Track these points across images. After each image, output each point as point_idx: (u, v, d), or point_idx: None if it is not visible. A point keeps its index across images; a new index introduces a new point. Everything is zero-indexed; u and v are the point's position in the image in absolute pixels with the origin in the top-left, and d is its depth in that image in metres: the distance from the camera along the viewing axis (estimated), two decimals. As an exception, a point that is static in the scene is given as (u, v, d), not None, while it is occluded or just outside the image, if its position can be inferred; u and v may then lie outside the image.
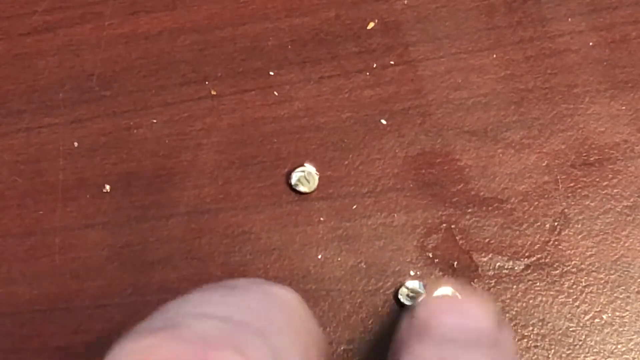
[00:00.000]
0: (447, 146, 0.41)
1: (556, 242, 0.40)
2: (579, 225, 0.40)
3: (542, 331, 0.39)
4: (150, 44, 0.44)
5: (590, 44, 0.42)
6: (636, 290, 0.39)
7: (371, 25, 0.43)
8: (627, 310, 0.39)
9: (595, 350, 0.38)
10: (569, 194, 0.40)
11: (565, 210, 0.40)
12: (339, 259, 0.40)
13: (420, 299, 0.39)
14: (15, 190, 0.43)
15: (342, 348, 0.39)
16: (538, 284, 0.39)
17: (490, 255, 0.40)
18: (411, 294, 0.39)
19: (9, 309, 0.41)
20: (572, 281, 0.39)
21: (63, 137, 0.43)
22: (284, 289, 0.29)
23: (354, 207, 0.41)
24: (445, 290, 0.37)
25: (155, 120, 0.43)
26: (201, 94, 0.43)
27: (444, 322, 0.30)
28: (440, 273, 0.40)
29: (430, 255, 0.40)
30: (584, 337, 0.39)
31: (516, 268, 0.40)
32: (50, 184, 0.42)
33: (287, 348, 0.25)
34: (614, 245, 0.39)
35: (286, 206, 0.41)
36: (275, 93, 0.43)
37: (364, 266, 0.40)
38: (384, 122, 0.42)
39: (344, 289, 0.40)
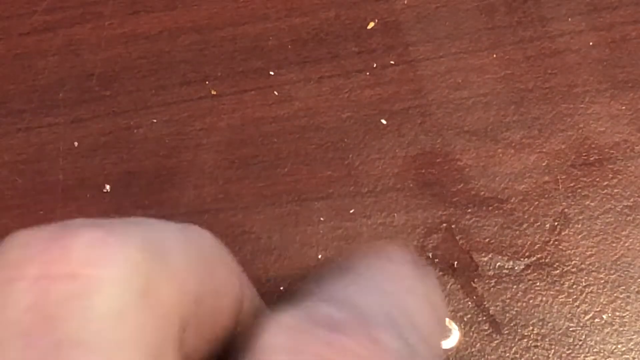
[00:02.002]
0: (447, 146, 0.41)
1: (556, 242, 0.40)
2: (579, 225, 0.40)
3: (542, 331, 0.39)
4: (150, 44, 0.44)
5: (590, 44, 0.42)
6: (636, 290, 0.39)
7: (371, 25, 0.43)
8: (627, 310, 0.39)
9: (595, 350, 0.38)
10: (569, 194, 0.40)
11: (565, 210, 0.40)
12: (339, 259, 0.40)
13: None
14: (15, 190, 0.43)
15: (342, 348, 0.39)
16: (538, 284, 0.39)
17: (490, 255, 0.40)
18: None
19: (9, 309, 0.41)
20: (572, 281, 0.39)
21: (63, 137, 0.43)
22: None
23: (354, 207, 0.41)
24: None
25: (155, 120, 0.43)
26: (201, 94, 0.43)
27: None
28: (440, 273, 0.40)
29: (430, 255, 0.40)
30: (584, 337, 0.39)
31: (516, 268, 0.40)
32: (50, 184, 0.42)
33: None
34: (614, 245, 0.39)
35: (286, 206, 0.41)
36: (275, 93, 0.43)
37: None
38: (384, 122, 0.42)
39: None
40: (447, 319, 0.39)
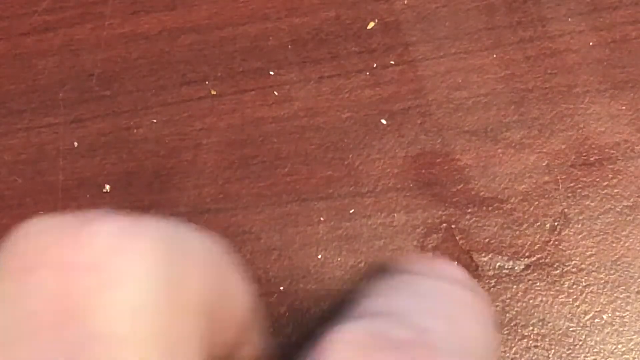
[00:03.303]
0: (447, 146, 0.41)
1: (556, 242, 0.40)
2: (579, 225, 0.40)
3: (542, 331, 0.39)
4: (150, 44, 0.44)
5: (590, 44, 0.42)
6: (636, 290, 0.39)
7: (371, 25, 0.43)
8: (627, 310, 0.39)
9: (595, 350, 0.38)
10: (569, 194, 0.40)
11: (565, 210, 0.40)
12: (339, 259, 0.40)
13: None
14: (15, 190, 0.43)
15: (342, 348, 0.39)
16: (538, 284, 0.39)
17: (490, 255, 0.40)
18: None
19: (9, 309, 0.41)
20: (572, 281, 0.39)
21: (63, 137, 0.43)
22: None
23: (354, 207, 0.41)
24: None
25: (155, 120, 0.43)
26: (201, 94, 0.43)
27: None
28: (440, 273, 0.40)
29: (430, 255, 0.40)
30: (584, 337, 0.39)
31: (516, 268, 0.40)
32: (50, 184, 0.42)
33: None
34: (614, 245, 0.39)
35: (286, 206, 0.41)
36: (275, 93, 0.43)
37: (364, 266, 0.40)
38: (384, 122, 0.42)
39: (344, 289, 0.40)
40: None
